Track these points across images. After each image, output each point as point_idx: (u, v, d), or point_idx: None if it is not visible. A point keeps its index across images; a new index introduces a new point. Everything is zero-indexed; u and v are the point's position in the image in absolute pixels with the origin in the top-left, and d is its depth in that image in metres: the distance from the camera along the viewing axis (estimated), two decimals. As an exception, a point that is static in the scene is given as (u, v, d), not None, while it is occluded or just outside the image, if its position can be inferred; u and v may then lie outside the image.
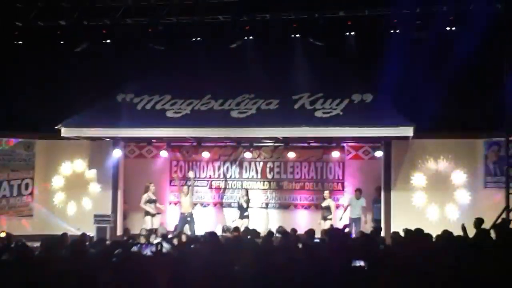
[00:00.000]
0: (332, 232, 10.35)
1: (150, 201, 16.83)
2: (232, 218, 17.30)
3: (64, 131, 16.27)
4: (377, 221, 16.24)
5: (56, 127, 16.14)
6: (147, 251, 9.33)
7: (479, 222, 11.42)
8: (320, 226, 15.61)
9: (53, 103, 16.67)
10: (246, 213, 16.83)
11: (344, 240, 8.32)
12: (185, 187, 16.97)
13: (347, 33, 15.62)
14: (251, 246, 9.46)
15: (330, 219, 16.21)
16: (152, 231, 15.93)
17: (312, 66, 16.04)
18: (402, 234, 10.83)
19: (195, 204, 17.40)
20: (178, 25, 16.18)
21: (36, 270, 6.29)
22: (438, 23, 14.85)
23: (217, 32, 16.14)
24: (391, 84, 14.94)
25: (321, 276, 5.68)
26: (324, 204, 16.55)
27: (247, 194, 17.05)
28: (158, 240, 11.11)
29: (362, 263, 6.70)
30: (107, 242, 11.29)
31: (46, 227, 16.86)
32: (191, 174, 17.42)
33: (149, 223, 16.52)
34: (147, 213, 16.72)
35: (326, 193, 16.76)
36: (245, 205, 16.88)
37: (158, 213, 17.07)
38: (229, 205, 17.96)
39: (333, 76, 15.93)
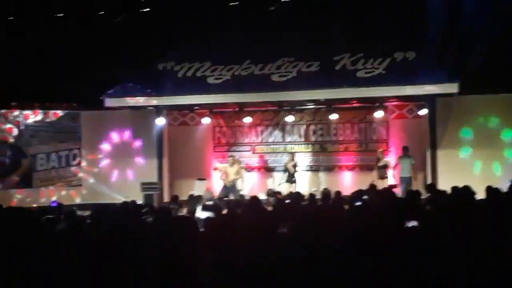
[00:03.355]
0: (380, 192, 10.33)
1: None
2: (277, 182, 17.35)
3: (108, 102, 16.50)
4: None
5: (100, 98, 16.36)
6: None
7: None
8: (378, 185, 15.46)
9: (97, 75, 16.81)
10: (293, 178, 16.86)
11: (392, 199, 8.26)
12: (230, 158, 17.09)
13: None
14: (295, 208, 9.47)
15: (387, 177, 16.22)
16: (199, 197, 16.05)
17: (352, 26, 15.74)
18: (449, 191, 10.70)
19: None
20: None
21: (89, 237, 6.39)
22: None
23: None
24: (434, 40, 14.60)
25: (368, 237, 5.60)
26: (380, 163, 16.44)
27: (293, 159, 17.03)
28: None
29: (414, 224, 6.55)
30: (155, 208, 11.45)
31: (95, 196, 17.25)
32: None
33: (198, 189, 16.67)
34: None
35: (380, 152, 16.67)
36: (292, 170, 16.87)
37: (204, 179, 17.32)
38: (273, 169, 18.01)
39: (374, 35, 15.63)
